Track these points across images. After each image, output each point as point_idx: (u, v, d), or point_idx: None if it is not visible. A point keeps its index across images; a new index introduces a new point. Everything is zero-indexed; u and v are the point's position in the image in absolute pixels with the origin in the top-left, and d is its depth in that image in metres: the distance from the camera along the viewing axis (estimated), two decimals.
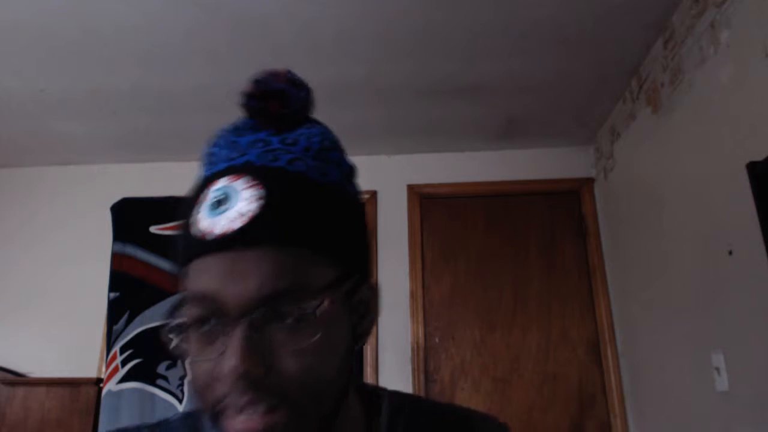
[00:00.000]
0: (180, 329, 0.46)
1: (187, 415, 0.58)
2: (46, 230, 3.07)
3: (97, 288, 2.88)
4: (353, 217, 0.52)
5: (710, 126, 1.78)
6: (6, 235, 3.10)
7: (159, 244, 2.90)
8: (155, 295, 2.82)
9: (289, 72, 0.53)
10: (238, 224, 0.44)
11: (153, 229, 2.94)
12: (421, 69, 2.30)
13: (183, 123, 2.72)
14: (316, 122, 0.55)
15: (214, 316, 0.44)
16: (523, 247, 2.88)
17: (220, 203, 0.46)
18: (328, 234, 0.47)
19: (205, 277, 0.45)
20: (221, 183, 0.47)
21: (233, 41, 2.11)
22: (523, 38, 2.11)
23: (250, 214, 0.45)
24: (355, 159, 0.58)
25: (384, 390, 0.61)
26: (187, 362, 0.47)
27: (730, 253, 1.66)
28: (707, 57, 1.78)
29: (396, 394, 0.62)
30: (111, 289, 2.86)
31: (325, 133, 0.53)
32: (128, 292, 2.83)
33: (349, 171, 0.55)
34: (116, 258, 2.89)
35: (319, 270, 0.46)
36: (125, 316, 2.79)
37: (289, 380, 0.44)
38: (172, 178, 3.04)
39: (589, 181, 2.94)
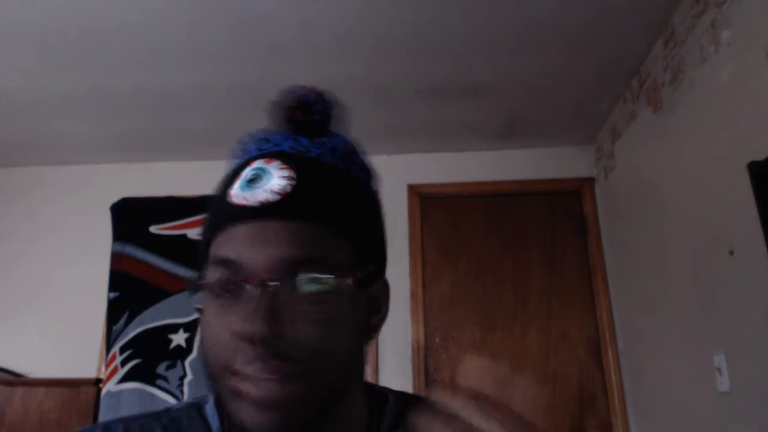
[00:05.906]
0: (199, 290, 0.48)
1: (191, 405, 0.58)
2: (46, 230, 3.07)
3: (97, 288, 2.88)
4: (373, 213, 0.56)
5: (710, 126, 1.78)
6: (6, 235, 3.09)
7: (159, 244, 2.90)
8: (155, 295, 2.82)
9: (316, 88, 0.57)
10: (271, 198, 0.48)
11: (153, 229, 2.94)
12: (421, 69, 2.30)
13: (183, 123, 2.72)
14: (338, 134, 0.59)
15: (237, 281, 0.46)
16: (524, 247, 2.87)
17: (254, 180, 0.49)
18: (349, 220, 0.51)
19: (232, 243, 0.47)
20: (256, 164, 0.51)
21: (233, 40, 2.11)
22: (523, 38, 2.11)
23: (283, 191, 0.48)
24: None
25: (391, 391, 0.61)
26: (202, 325, 0.49)
27: (731, 253, 1.66)
28: (708, 57, 1.78)
29: (403, 395, 0.61)
30: (111, 289, 2.85)
31: (348, 141, 0.58)
32: (128, 292, 2.83)
33: (370, 174, 0.59)
34: (116, 258, 2.89)
35: (340, 251, 0.49)
36: (125, 316, 2.79)
37: (306, 349, 0.45)
38: (172, 178, 3.05)
39: (589, 181, 2.94)
